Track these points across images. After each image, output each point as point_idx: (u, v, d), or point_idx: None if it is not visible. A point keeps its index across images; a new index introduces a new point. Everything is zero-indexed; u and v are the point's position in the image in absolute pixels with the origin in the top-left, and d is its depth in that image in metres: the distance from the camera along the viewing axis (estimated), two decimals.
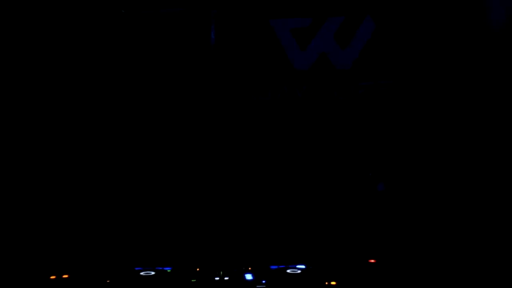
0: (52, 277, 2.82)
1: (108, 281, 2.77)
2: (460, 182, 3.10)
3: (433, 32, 3.21)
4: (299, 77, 3.29)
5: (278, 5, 3.31)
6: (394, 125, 3.22)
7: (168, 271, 2.91)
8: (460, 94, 3.17)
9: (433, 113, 3.19)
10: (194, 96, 3.31)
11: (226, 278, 2.82)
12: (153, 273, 2.87)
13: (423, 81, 3.23)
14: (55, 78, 3.29)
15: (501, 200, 3.04)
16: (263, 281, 2.77)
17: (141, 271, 2.89)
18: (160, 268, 2.93)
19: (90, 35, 3.28)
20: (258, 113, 3.28)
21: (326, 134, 3.26)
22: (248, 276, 2.85)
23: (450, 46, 3.19)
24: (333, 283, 2.73)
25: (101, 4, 3.28)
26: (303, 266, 2.93)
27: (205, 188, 3.25)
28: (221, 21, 3.28)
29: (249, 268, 2.94)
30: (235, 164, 3.27)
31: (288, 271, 2.88)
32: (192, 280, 2.80)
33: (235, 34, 3.29)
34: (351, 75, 3.27)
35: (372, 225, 3.12)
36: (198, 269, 2.94)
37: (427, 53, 3.21)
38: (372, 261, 2.94)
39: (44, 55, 3.27)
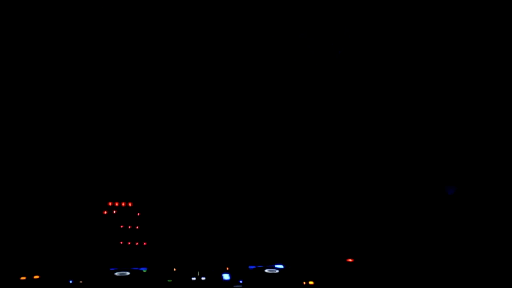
0: (22, 278, 2.71)
1: (81, 281, 2.69)
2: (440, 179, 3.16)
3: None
4: None
5: None
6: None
7: (144, 271, 2.85)
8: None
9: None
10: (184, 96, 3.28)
11: (203, 278, 2.78)
12: (128, 273, 2.80)
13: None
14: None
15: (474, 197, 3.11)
16: (241, 281, 2.75)
17: (116, 272, 2.82)
18: (136, 269, 2.87)
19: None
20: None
21: (295, 131, 3.27)
22: (226, 276, 2.82)
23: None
24: (311, 282, 2.73)
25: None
26: (281, 266, 2.93)
27: (181, 188, 3.21)
28: None
29: (227, 268, 2.92)
30: (211, 165, 3.25)
31: (266, 271, 2.87)
32: (168, 281, 2.75)
33: None
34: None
35: (349, 224, 3.14)
36: (174, 269, 2.89)
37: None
38: (350, 260, 2.96)
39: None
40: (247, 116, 3.29)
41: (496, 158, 3.16)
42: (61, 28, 3.19)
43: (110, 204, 3.23)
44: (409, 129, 3.26)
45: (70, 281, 2.68)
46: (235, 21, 3.27)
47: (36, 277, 2.72)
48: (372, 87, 3.32)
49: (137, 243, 3.06)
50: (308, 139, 3.26)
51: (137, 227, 3.12)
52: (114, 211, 3.19)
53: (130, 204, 3.22)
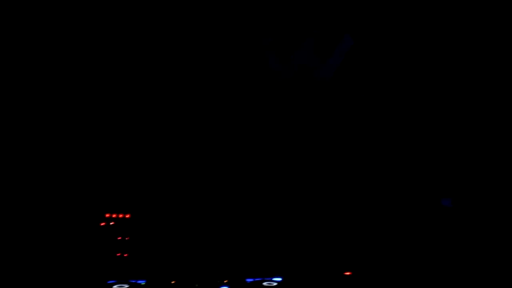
0: None
1: None
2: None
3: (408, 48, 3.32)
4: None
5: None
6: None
7: (142, 284, 2.85)
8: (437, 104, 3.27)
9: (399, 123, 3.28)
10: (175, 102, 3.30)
11: None
12: (126, 286, 2.80)
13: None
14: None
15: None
16: None
17: (114, 285, 2.81)
18: (134, 281, 2.86)
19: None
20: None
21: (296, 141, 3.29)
22: None
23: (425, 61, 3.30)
24: None
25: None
26: (279, 279, 2.93)
27: (180, 200, 3.21)
28: None
29: (225, 281, 2.92)
30: (208, 176, 3.25)
31: (264, 283, 2.87)
32: None
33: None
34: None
35: (347, 238, 3.15)
36: (173, 282, 2.89)
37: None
38: (348, 273, 2.97)
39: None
40: (239, 132, 3.30)
41: (490, 169, 3.20)
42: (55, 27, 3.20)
43: (107, 215, 3.23)
44: (403, 143, 3.29)
45: None
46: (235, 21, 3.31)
47: None
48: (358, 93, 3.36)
49: (135, 255, 3.06)
50: (302, 149, 3.28)
51: (135, 239, 3.11)
52: (112, 223, 3.18)
53: (128, 216, 3.21)
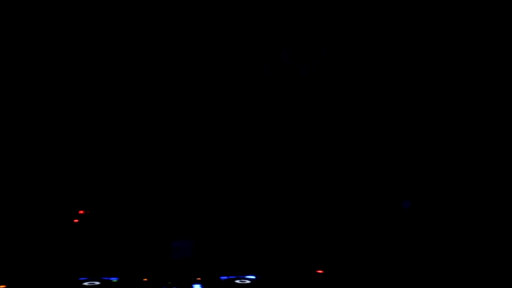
0: None
1: None
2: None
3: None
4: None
5: None
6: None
7: (114, 281, 2.83)
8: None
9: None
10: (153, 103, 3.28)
11: None
12: (98, 283, 2.77)
13: None
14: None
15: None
16: None
17: (86, 281, 2.78)
18: (106, 278, 2.84)
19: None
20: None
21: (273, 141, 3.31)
22: (197, 287, 2.82)
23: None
24: None
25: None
26: (253, 277, 2.94)
27: (155, 198, 3.20)
28: None
29: (198, 279, 2.91)
30: (182, 174, 3.25)
31: (237, 281, 2.88)
32: None
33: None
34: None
35: (319, 236, 3.18)
36: (145, 279, 2.87)
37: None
38: (320, 271, 3.00)
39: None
40: (219, 130, 3.31)
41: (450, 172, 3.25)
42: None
43: (81, 212, 3.20)
44: (369, 148, 3.32)
45: None
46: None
47: (2, 287, 2.67)
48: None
49: (108, 252, 3.03)
50: (277, 150, 3.29)
51: (108, 236, 3.09)
52: (85, 220, 3.15)
53: (98, 213, 3.19)
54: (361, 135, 3.31)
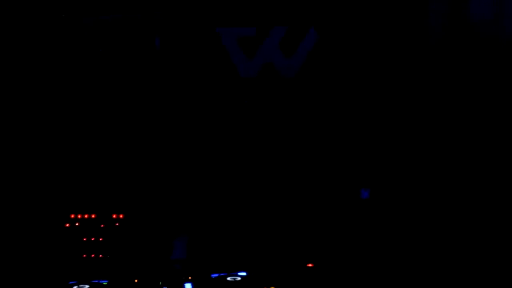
0: None
1: None
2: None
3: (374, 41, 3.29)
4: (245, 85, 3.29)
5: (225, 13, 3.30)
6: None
7: (105, 284, 2.82)
8: (402, 100, 3.26)
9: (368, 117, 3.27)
10: (139, 104, 3.26)
11: None
12: (87, 287, 2.77)
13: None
14: None
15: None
16: None
17: (75, 285, 2.78)
18: (96, 281, 2.83)
19: (29, 40, 3.18)
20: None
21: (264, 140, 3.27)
22: (188, 286, 2.81)
23: (390, 56, 3.28)
24: None
25: (40, 8, 3.19)
26: (244, 274, 2.92)
27: (143, 199, 3.18)
28: (167, 28, 3.25)
29: (189, 278, 2.90)
30: (172, 173, 3.23)
31: (228, 278, 2.86)
32: None
33: (181, 41, 3.26)
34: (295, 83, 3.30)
35: (310, 229, 3.15)
36: (136, 281, 2.86)
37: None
38: (310, 265, 2.97)
39: None
40: (201, 132, 3.28)
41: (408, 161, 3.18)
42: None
43: (72, 216, 3.20)
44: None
45: None
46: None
47: None
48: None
49: (99, 256, 3.03)
50: (262, 148, 3.26)
51: (100, 239, 3.08)
52: (77, 224, 3.15)
53: (93, 216, 3.18)
54: (352, 133, 3.26)
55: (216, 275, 2.91)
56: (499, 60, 3.09)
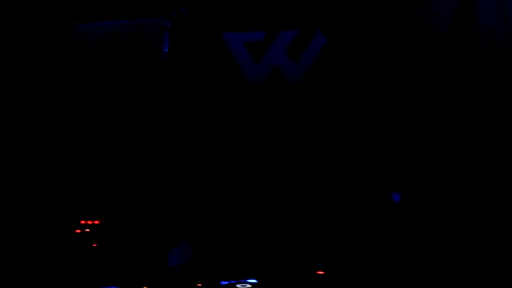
0: None
1: None
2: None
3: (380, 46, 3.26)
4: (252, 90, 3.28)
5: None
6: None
7: None
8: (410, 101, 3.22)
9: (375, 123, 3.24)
10: (146, 109, 3.26)
11: None
12: None
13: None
14: None
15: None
16: None
17: None
18: None
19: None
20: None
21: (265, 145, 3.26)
22: None
23: (396, 58, 3.25)
24: None
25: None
26: (254, 281, 2.90)
27: (151, 205, 3.18)
28: (175, 34, 3.26)
29: (198, 285, 2.88)
30: (178, 179, 3.22)
31: (238, 286, 2.84)
32: None
33: (189, 46, 3.27)
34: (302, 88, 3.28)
35: (320, 238, 3.11)
36: (145, 287, 2.86)
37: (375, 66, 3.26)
38: (321, 272, 2.94)
39: None
40: (210, 136, 3.27)
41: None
42: None
43: (82, 222, 3.21)
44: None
45: None
46: None
47: None
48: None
49: (107, 261, 3.03)
50: (272, 153, 3.23)
51: (108, 245, 3.08)
52: (87, 230, 3.16)
53: (100, 222, 3.19)
54: (355, 135, 3.23)
55: (226, 282, 2.90)
56: (506, 64, 3.10)
